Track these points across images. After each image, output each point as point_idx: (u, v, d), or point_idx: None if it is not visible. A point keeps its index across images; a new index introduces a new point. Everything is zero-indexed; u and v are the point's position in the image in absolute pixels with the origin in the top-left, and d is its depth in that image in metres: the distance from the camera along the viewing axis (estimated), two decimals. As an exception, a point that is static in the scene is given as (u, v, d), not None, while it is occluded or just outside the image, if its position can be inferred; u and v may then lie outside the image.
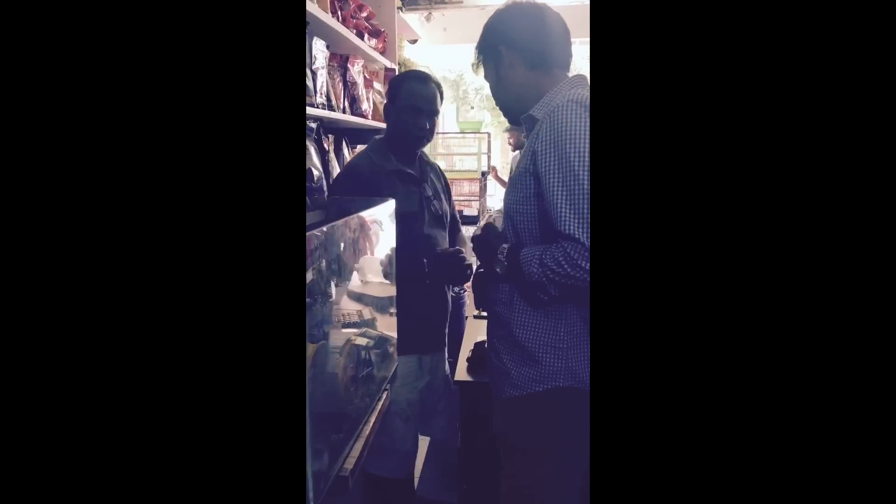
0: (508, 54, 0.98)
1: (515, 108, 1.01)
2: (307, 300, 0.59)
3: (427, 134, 1.29)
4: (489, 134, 3.84)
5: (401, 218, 1.12)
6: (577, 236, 0.81)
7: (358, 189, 1.24)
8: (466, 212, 3.22)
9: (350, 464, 0.71)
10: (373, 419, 0.91)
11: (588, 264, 0.81)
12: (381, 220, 1.30)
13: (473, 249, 1.07)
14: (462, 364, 1.57)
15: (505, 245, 0.95)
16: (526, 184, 0.90)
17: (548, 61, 0.98)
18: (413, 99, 1.25)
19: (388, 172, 1.26)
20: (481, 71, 1.04)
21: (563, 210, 0.82)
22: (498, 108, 1.05)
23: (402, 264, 1.15)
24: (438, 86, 1.32)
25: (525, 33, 0.97)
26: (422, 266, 1.30)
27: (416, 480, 1.75)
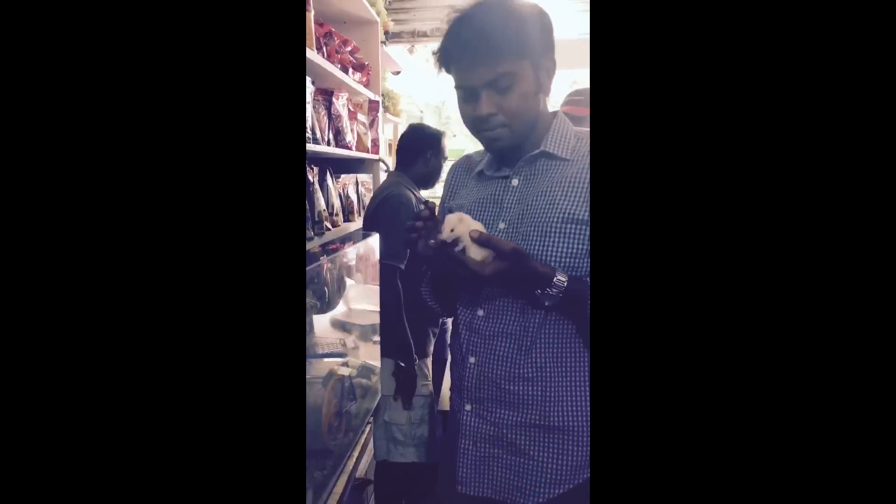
0: (534, 68, 0.75)
1: (521, 140, 0.79)
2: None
3: (440, 177, 1.77)
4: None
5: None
6: None
7: (409, 211, 1.58)
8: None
9: (333, 501, 0.71)
10: (356, 454, 0.91)
11: None
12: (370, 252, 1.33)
13: (486, 274, 0.72)
14: (446, 393, 1.58)
15: (562, 278, 0.73)
16: (576, 234, 0.75)
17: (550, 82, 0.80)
18: (440, 147, 1.74)
19: (419, 200, 1.67)
20: (482, 90, 0.75)
21: None
22: (497, 139, 0.78)
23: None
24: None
25: (543, 43, 0.76)
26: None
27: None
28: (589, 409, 0.78)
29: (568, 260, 0.75)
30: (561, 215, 0.76)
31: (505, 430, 0.80)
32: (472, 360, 0.82)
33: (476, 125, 0.78)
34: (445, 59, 0.77)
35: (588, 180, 0.76)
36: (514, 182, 0.81)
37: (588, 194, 0.75)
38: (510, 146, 0.79)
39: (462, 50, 0.74)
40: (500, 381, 0.80)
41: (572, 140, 0.82)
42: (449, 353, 0.96)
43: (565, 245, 0.75)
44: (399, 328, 1.59)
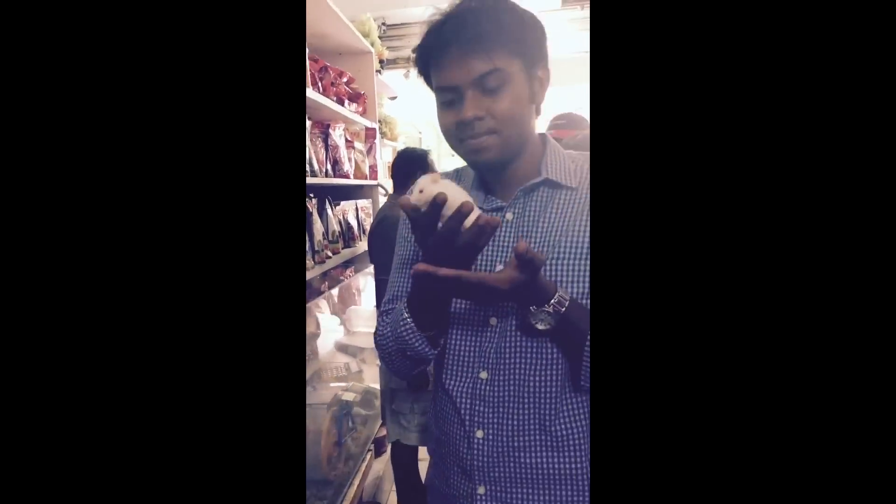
0: (527, 74, 0.65)
1: (510, 158, 0.68)
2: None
3: None
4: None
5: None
6: None
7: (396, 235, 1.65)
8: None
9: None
10: (356, 482, 0.92)
11: None
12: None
13: (503, 288, 0.59)
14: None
15: (564, 297, 0.62)
16: (578, 240, 0.67)
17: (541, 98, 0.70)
18: (426, 166, 1.79)
19: None
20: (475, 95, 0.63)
21: None
22: (483, 150, 0.65)
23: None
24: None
25: (537, 49, 0.66)
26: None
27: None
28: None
29: (580, 299, 0.65)
30: (572, 250, 0.66)
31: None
32: (479, 433, 0.68)
33: (459, 133, 0.65)
34: (425, 55, 0.66)
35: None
36: (509, 216, 0.70)
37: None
38: (498, 163, 0.67)
39: (445, 43, 0.63)
40: (519, 454, 0.67)
41: (570, 165, 0.71)
42: (433, 416, 0.77)
43: (578, 285, 0.65)
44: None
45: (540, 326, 0.62)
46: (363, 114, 2.17)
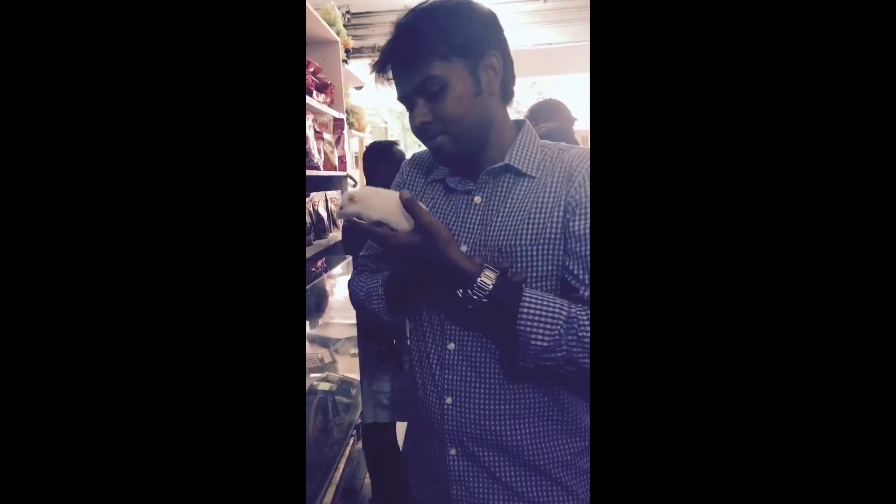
0: (470, 70, 0.71)
1: (469, 147, 0.74)
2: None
3: None
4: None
5: None
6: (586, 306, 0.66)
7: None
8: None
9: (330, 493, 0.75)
10: (342, 466, 0.96)
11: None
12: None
13: (391, 244, 0.68)
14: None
15: (487, 281, 0.66)
16: (545, 256, 0.71)
17: (511, 90, 0.76)
18: (395, 157, 1.89)
19: None
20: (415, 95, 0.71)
21: (586, 278, 0.68)
22: (440, 148, 0.73)
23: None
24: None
25: (484, 42, 0.72)
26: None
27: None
28: (589, 447, 0.73)
29: (536, 283, 0.70)
30: (530, 236, 0.70)
31: (499, 475, 0.74)
32: (448, 400, 0.75)
33: (419, 136, 0.74)
34: (379, 70, 0.74)
35: (557, 197, 0.70)
36: (477, 199, 0.75)
37: (559, 212, 0.69)
38: (457, 154, 0.74)
39: (387, 65, 0.72)
40: (484, 421, 0.74)
41: (538, 154, 0.75)
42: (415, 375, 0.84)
43: (534, 268, 0.70)
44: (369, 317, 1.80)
45: (469, 306, 0.67)
46: (331, 104, 2.15)
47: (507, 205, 0.73)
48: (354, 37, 2.82)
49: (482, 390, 0.73)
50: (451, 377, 0.75)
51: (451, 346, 0.75)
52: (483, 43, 0.71)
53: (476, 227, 0.75)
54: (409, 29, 0.70)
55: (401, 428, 2.29)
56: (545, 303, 0.65)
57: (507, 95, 0.76)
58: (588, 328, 0.63)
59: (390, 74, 0.73)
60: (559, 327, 0.63)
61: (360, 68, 2.97)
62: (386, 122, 4.16)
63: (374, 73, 0.75)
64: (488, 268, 0.66)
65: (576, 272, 0.68)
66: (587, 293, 0.67)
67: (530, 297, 0.65)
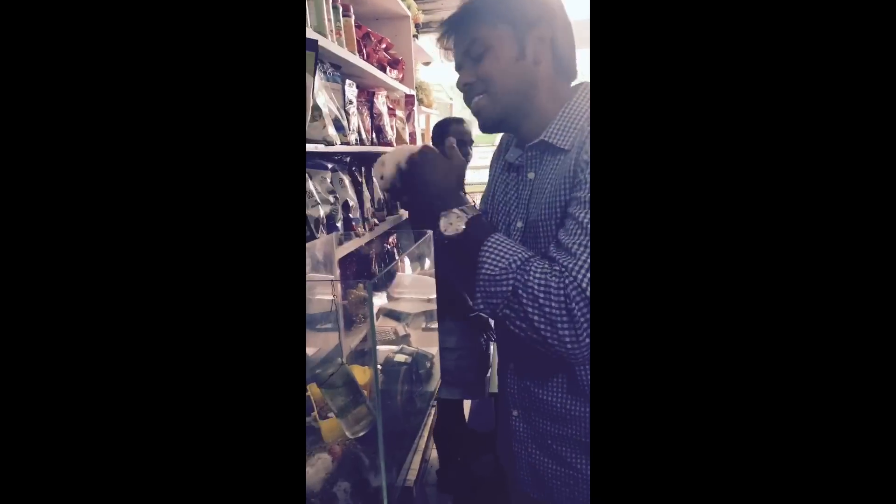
0: (517, 37, 0.74)
1: (509, 111, 0.77)
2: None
3: (470, 159, 2.05)
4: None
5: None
6: (574, 266, 0.64)
7: None
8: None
9: (413, 475, 0.79)
10: (425, 433, 1.01)
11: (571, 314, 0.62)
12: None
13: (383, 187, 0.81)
14: (494, 376, 1.66)
15: (468, 210, 0.73)
16: (572, 230, 0.69)
17: (568, 65, 0.79)
18: (462, 135, 1.95)
19: None
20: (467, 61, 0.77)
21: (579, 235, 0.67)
22: (479, 110, 0.78)
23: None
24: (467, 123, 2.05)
25: (533, 11, 0.76)
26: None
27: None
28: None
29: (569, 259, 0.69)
30: (560, 211, 0.71)
31: (550, 441, 0.79)
32: (511, 365, 0.84)
33: (464, 98, 0.80)
34: (440, 38, 0.81)
35: (577, 169, 0.69)
36: (531, 176, 0.79)
37: (575, 185, 0.69)
38: (496, 118, 0.77)
39: (448, 26, 0.79)
40: (536, 391, 0.79)
41: (577, 125, 0.74)
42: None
43: (566, 242, 0.68)
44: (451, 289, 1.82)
45: (448, 232, 0.72)
46: (402, 80, 2.16)
47: (547, 181, 0.76)
48: (424, 11, 2.79)
49: (538, 361, 0.78)
50: (513, 347, 0.83)
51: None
52: (534, 16, 0.75)
53: (526, 203, 0.79)
54: (466, 2, 0.78)
55: (466, 404, 2.34)
56: (508, 243, 0.70)
57: (561, 69, 0.78)
58: (541, 282, 0.64)
59: (451, 44, 0.80)
60: (513, 263, 0.67)
61: (429, 44, 2.95)
62: (451, 99, 4.14)
63: (438, 45, 0.82)
64: (465, 209, 0.73)
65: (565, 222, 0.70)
66: (586, 218, 0.66)
67: (496, 237, 0.71)
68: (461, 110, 6.26)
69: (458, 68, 0.80)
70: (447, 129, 1.98)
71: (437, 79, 3.51)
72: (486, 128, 0.80)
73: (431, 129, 2.09)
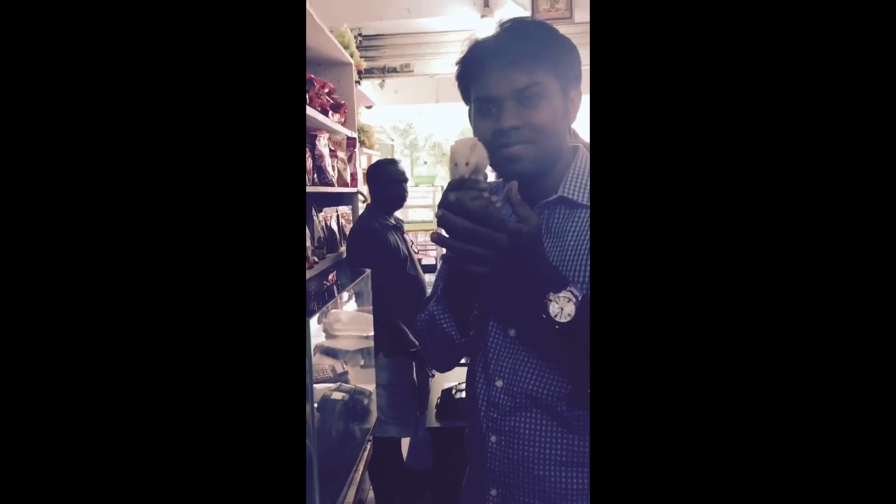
0: (563, 91, 0.69)
1: (543, 171, 0.70)
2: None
3: (406, 197, 2.12)
4: (442, 187, 4.09)
5: (400, 260, 1.99)
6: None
7: (376, 238, 1.96)
8: (424, 260, 3.39)
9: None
10: (361, 467, 1.02)
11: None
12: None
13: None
14: (432, 411, 1.69)
15: (576, 292, 0.59)
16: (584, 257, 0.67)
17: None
18: (396, 175, 2.06)
19: (389, 227, 2.03)
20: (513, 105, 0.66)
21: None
22: (517, 160, 0.68)
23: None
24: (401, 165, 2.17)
25: (573, 70, 0.71)
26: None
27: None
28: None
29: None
30: (585, 266, 0.65)
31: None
32: (493, 438, 0.71)
33: (495, 141, 0.66)
34: (468, 67, 0.70)
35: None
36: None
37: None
38: (529, 174, 0.68)
39: (490, 57, 0.67)
40: (530, 465, 0.68)
41: (589, 181, 0.70)
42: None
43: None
44: (389, 323, 1.93)
45: (560, 318, 0.58)
46: (344, 123, 2.23)
47: (566, 243, 0.68)
48: (366, 58, 2.92)
49: (530, 431, 0.68)
50: (496, 416, 0.70)
51: (500, 383, 0.70)
52: (574, 72, 0.70)
53: None
54: (521, 31, 0.68)
55: (404, 442, 2.32)
56: None
57: (571, 131, 0.74)
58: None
59: (472, 72, 0.69)
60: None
61: (371, 89, 3.07)
62: (392, 140, 4.26)
63: (459, 67, 0.72)
64: (573, 290, 0.59)
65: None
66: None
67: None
68: (402, 151, 6.42)
69: (494, 107, 0.67)
70: (382, 170, 2.07)
71: (379, 121, 3.62)
72: (511, 176, 0.67)
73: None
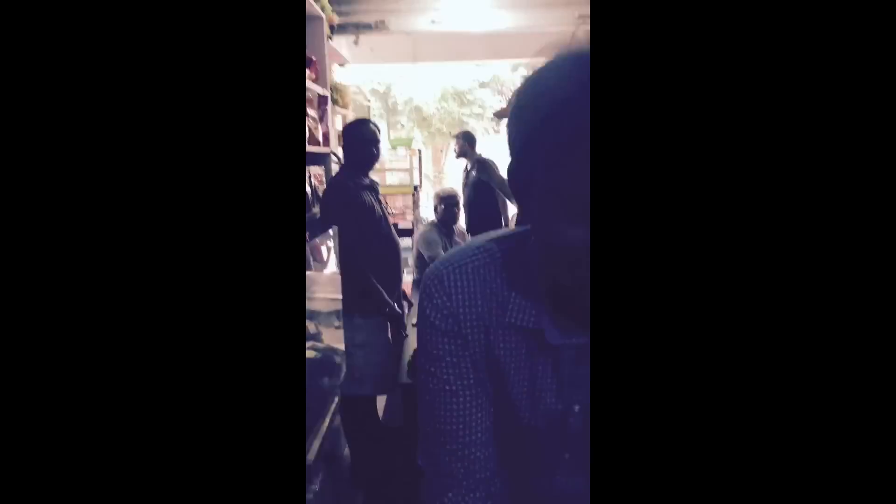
0: None
1: None
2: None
3: (379, 157, 2.09)
4: (419, 150, 4.03)
5: (375, 220, 1.97)
6: None
7: (351, 197, 1.93)
8: (401, 224, 3.36)
9: (312, 455, 0.82)
10: (327, 420, 1.05)
11: None
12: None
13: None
14: (404, 369, 1.72)
15: None
16: None
17: None
18: (368, 135, 2.00)
19: (363, 186, 1.99)
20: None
21: None
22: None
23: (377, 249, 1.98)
24: (377, 124, 2.12)
25: None
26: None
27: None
28: None
29: None
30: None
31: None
32: None
33: None
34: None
35: None
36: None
37: None
38: None
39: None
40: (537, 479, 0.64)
41: None
42: None
43: None
44: (367, 283, 1.94)
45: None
46: (315, 80, 2.17)
47: None
48: (339, 13, 2.81)
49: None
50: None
51: None
52: None
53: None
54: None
55: (380, 401, 2.36)
56: None
57: None
58: None
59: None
60: None
61: (344, 45, 2.96)
62: (369, 101, 4.16)
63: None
64: None
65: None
66: None
67: None
68: (380, 113, 6.27)
69: None
70: (357, 130, 2.04)
71: (355, 80, 3.52)
72: None
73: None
